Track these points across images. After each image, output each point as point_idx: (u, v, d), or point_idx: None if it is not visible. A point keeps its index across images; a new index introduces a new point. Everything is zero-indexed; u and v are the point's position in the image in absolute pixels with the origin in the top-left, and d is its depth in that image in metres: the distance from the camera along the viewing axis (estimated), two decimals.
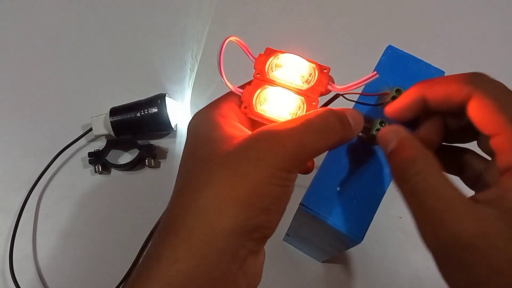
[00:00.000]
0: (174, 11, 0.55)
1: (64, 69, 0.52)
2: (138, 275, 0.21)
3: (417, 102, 0.24)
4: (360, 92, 0.27)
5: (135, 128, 0.46)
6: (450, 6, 0.55)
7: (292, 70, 0.26)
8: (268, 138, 0.21)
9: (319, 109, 0.23)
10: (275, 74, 0.26)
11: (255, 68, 0.26)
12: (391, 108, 0.25)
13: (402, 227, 0.43)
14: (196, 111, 0.25)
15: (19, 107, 0.50)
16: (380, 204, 0.25)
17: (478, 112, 0.21)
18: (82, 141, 0.48)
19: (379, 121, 0.25)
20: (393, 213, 0.44)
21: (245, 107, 0.25)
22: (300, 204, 0.25)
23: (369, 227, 0.24)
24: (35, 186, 0.45)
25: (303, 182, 0.25)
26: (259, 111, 0.25)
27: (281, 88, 0.25)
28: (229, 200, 0.20)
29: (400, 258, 0.42)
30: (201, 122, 0.24)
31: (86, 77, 0.52)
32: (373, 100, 0.27)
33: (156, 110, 0.45)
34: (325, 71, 0.25)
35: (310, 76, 0.26)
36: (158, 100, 0.45)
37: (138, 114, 0.45)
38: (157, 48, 0.53)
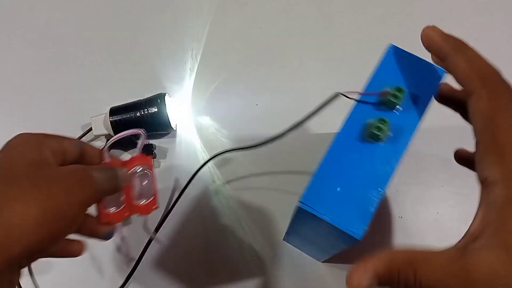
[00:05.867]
0: (174, 11, 0.55)
1: (64, 69, 0.52)
2: None
3: None
4: (360, 91, 0.27)
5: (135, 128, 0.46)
6: (451, 6, 0.55)
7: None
8: None
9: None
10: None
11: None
12: None
13: (402, 227, 0.43)
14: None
15: (18, 107, 0.50)
16: (381, 204, 0.25)
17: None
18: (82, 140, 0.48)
19: (378, 119, 0.25)
20: (394, 213, 0.44)
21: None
22: (299, 201, 0.25)
23: (370, 227, 0.24)
24: None
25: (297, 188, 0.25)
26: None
27: None
28: (36, 219, 0.23)
29: None
30: (24, 142, 0.26)
31: (86, 77, 0.52)
32: (373, 98, 0.27)
33: (156, 109, 0.45)
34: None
35: None
36: (158, 99, 0.45)
37: (138, 114, 0.45)
38: (157, 48, 0.53)
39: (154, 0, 0.56)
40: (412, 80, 0.27)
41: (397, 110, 0.26)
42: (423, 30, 0.24)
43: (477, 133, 0.22)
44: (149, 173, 0.37)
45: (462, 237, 0.21)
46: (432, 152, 0.45)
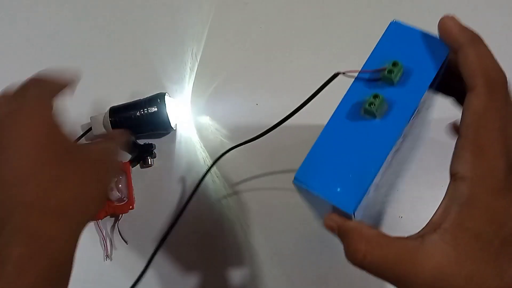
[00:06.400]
0: (174, 11, 0.55)
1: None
2: None
3: None
4: (359, 70, 0.27)
5: (135, 128, 0.46)
6: (453, 6, 0.55)
7: None
8: None
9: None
10: None
11: None
12: None
13: (402, 227, 0.43)
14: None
15: None
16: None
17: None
18: (82, 141, 0.48)
19: (373, 94, 0.25)
20: (394, 213, 0.44)
21: None
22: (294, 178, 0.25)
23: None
24: None
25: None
26: None
27: None
28: (91, 196, 0.28)
29: None
30: (41, 127, 0.27)
31: (86, 77, 0.51)
32: (371, 75, 0.26)
33: (156, 109, 0.45)
34: None
35: None
36: (158, 99, 0.45)
37: (138, 114, 0.45)
38: (157, 48, 0.53)
39: (154, 0, 0.56)
40: (414, 56, 0.26)
41: (396, 86, 0.25)
42: (442, 19, 0.24)
43: (462, 126, 0.22)
44: (124, 176, 0.45)
45: (425, 225, 0.22)
46: (432, 152, 0.45)
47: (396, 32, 0.27)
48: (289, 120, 0.31)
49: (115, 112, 0.46)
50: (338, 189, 0.24)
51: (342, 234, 0.22)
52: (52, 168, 0.26)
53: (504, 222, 0.20)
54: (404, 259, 0.20)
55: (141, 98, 0.46)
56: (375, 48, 0.27)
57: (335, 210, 0.25)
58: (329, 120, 0.26)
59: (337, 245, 0.44)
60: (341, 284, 0.42)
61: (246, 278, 0.42)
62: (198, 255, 0.43)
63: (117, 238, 0.43)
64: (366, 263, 0.21)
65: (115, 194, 0.43)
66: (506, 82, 0.22)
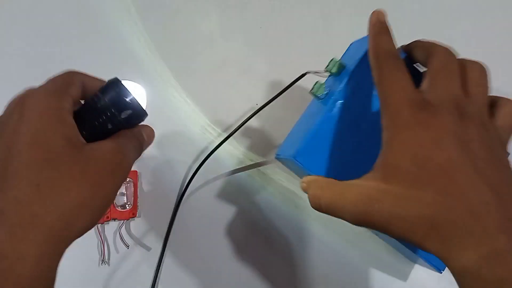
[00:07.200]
0: (174, 11, 0.55)
1: (38, 66, 0.49)
2: (2, 276, 0.20)
3: None
4: (323, 70, 0.35)
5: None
6: (454, 7, 0.54)
7: None
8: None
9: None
10: None
11: None
12: None
13: None
14: (34, 92, 0.25)
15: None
16: None
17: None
18: None
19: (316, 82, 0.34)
20: None
21: None
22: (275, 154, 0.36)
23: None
24: None
25: None
26: None
27: None
28: (88, 207, 0.23)
29: None
30: (46, 112, 0.24)
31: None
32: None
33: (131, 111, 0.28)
34: None
35: None
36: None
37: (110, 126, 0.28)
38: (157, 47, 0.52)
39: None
40: (350, 54, 0.34)
41: (337, 76, 0.33)
42: (413, 42, 0.30)
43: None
44: (131, 183, 0.42)
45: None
46: None
47: (358, 42, 0.35)
48: None
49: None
50: (292, 150, 0.32)
51: (306, 187, 0.27)
52: (42, 169, 0.22)
53: (415, 152, 0.23)
54: (345, 195, 0.24)
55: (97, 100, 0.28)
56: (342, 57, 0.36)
57: (303, 172, 0.32)
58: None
59: (338, 245, 0.44)
60: (341, 284, 0.41)
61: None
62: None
63: (119, 242, 0.43)
64: (323, 205, 0.25)
65: (122, 199, 0.43)
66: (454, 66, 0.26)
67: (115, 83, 0.27)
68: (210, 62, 0.51)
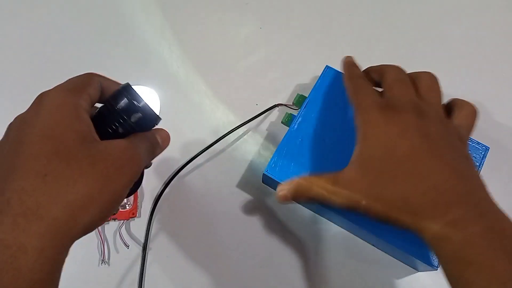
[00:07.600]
0: (174, 11, 0.55)
1: (62, 68, 0.51)
2: (3, 268, 0.20)
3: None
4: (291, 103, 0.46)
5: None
6: (454, 8, 0.54)
7: None
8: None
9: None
10: None
11: None
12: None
13: None
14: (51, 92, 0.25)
15: (19, 107, 0.49)
16: None
17: None
18: None
19: (286, 114, 0.44)
20: None
21: None
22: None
23: None
24: None
25: None
26: None
27: None
28: (96, 201, 0.23)
29: None
30: (62, 107, 0.24)
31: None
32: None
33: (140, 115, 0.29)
34: None
35: None
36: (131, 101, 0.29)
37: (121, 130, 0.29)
38: (157, 47, 0.52)
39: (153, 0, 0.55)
40: (321, 87, 0.41)
41: (303, 108, 0.40)
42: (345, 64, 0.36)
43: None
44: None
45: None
46: None
47: (327, 73, 0.42)
48: None
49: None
50: (270, 166, 0.38)
51: (278, 190, 0.32)
52: (51, 161, 0.22)
53: (385, 144, 0.28)
54: (338, 183, 0.29)
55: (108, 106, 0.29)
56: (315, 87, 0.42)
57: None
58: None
59: (338, 245, 0.44)
60: (341, 284, 0.41)
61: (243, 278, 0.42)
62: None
63: (119, 242, 0.43)
64: (314, 194, 0.30)
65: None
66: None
67: (125, 88, 0.27)
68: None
